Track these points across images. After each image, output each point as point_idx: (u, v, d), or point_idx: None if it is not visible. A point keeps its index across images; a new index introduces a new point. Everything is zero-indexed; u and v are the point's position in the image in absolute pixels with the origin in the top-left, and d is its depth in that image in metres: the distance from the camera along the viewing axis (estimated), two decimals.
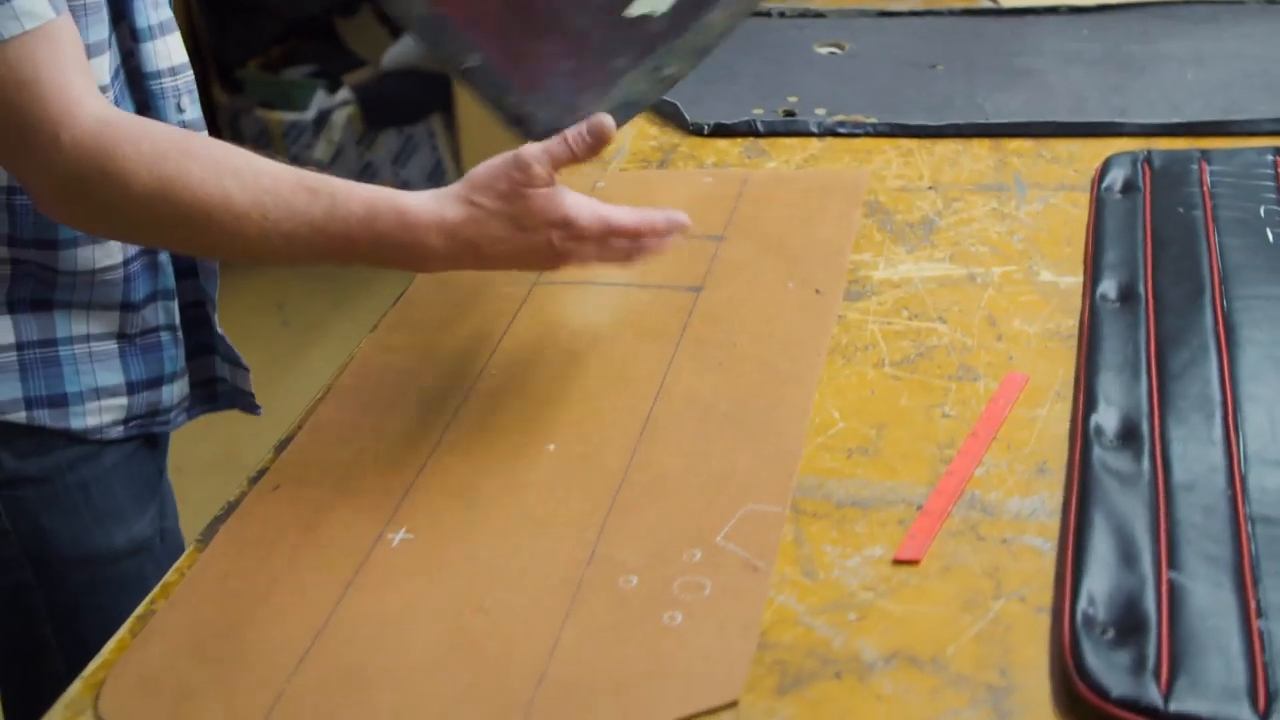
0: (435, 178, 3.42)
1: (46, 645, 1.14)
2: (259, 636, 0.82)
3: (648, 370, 1.05)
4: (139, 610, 0.87)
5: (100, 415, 1.10)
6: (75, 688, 0.81)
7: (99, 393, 1.10)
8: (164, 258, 1.13)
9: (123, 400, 1.11)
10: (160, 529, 1.19)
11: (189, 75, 1.11)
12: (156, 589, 0.89)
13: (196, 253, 1.12)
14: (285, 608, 0.84)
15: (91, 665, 0.82)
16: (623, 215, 0.98)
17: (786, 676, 0.77)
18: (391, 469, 0.96)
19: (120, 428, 1.12)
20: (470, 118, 3.15)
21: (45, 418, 1.07)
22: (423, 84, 3.45)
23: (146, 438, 1.16)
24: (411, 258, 0.96)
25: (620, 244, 0.98)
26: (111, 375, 1.10)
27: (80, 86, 0.92)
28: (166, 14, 1.09)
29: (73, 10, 0.96)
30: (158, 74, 1.08)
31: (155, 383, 1.14)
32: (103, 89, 1.00)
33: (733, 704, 0.76)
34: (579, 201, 0.97)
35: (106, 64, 1.02)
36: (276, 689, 0.78)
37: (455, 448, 0.98)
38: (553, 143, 0.96)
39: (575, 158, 0.97)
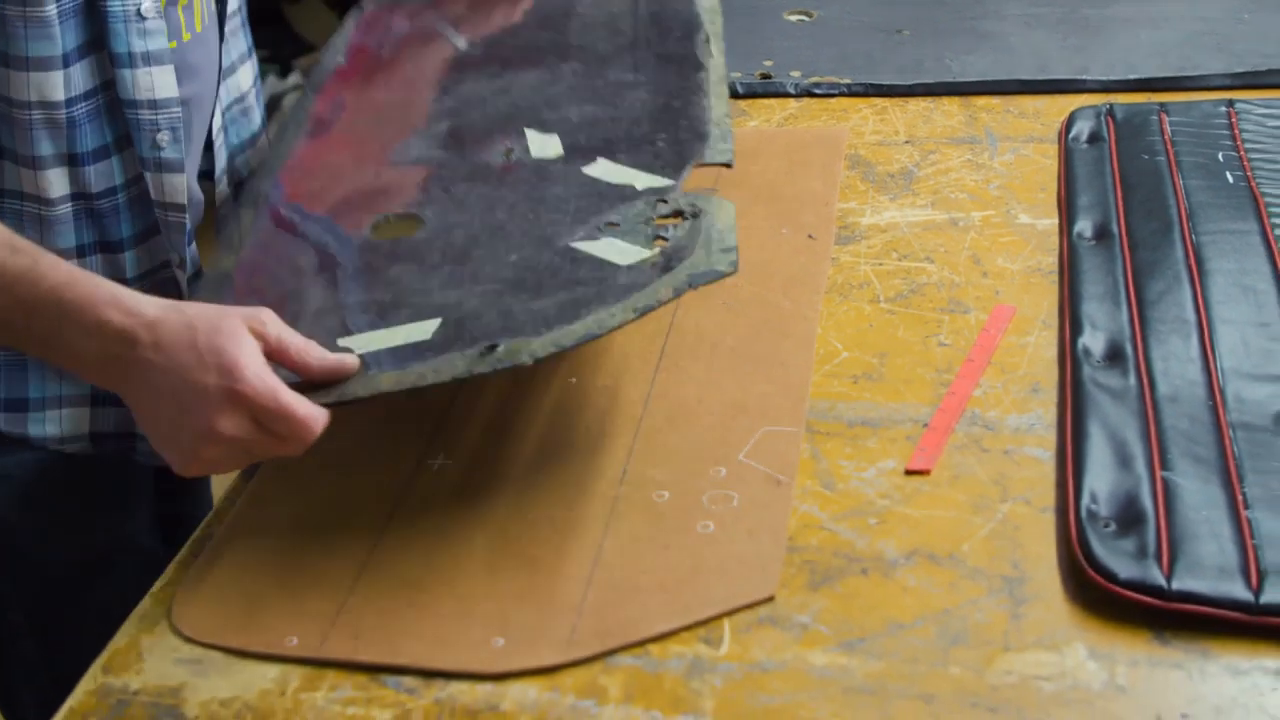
0: None
1: (17, 630, 1.14)
2: (318, 553, 0.87)
3: (658, 310, 1.10)
4: (197, 533, 0.92)
5: (60, 424, 1.07)
6: (145, 604, 0.85)
7: (61, 400, 1.07)
8: (127, 258, 1.07)
9: (85, 410, 1.08)
10: (140, 529, 1.18)
11: (175, 111, 1.04)
12: (210, 515, 0.93)
13: None
14: (338, 526, 0.89)
15: (159, 582, 0.87)
16: (295, 403, 0.82)
17: (816, 574, 0.84)
18: (423, 405, 1.01)
19: (86, 443, 1.09)
20: None
21: (2, 422, 1.06)
22: None
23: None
24: (82, 333, 0.84)
25: (279, 429, 0.82)
26: (75, 384, 1.07)
27: None
28: (159, 44, 1.02)
29: (5, 19, 0.94)
30: (134, 104, 1.02)
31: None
32: (51, 104, 0.98)
33: (770, 599, 0.82)
34: (263, 371, 0.83)
35: (60, 81, 0.98)
36: (340, 597, 0.83)
37: (482, 385, 1.03)
38: (297, 338, 0.85)
39: (300, 367, 0.85)
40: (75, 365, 0.87)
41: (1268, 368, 0.96)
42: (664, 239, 0.93)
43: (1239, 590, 0.77)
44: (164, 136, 1.04)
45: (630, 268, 0.89)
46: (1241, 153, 1.26)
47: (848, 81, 1.53)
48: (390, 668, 0.78)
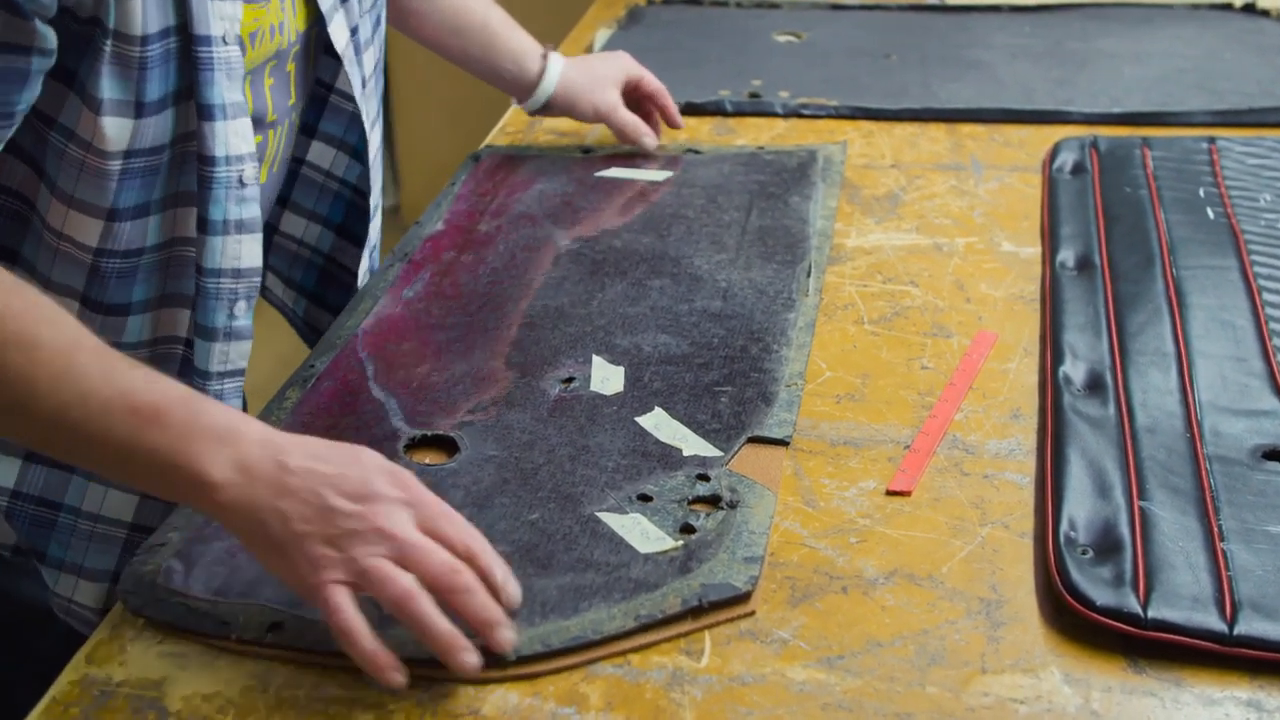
0: None
1: None
2: None
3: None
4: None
5: (72, 592, 1.05)
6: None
7: (80, 571, 1.05)
8: None
9: (103, 587, 1.06)
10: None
11: (256, 281, 1.02)
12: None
13: None
14: None
15: None
16: (481, 545, 0.78)
17: (797, 590, 0.84)
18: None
19: (89, 627, 1.01)
20: (406, 105, 3.18)
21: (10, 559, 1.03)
22: None
23: None
24: (212, 448, 0.77)
25: (444, 529, 0.78)
26: (103, 559, 1.05)
27: None
28: (253, 213, 1.00)
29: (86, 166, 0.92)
30: (217, 272, 1.00)
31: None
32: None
33: (750, 614, 0.83)
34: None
35: (124, 229, 0.97)
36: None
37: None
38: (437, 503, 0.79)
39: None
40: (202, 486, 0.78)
41: (1244, 402, 0.98)
42: (692, 528, 0.88)
43: (1213, 621, 0.79)
44: (241, 306, 1.02)
45: (648, 558, 0.86)
46: (1222, 189, 1.28)
47: (835, 103, 1.55)
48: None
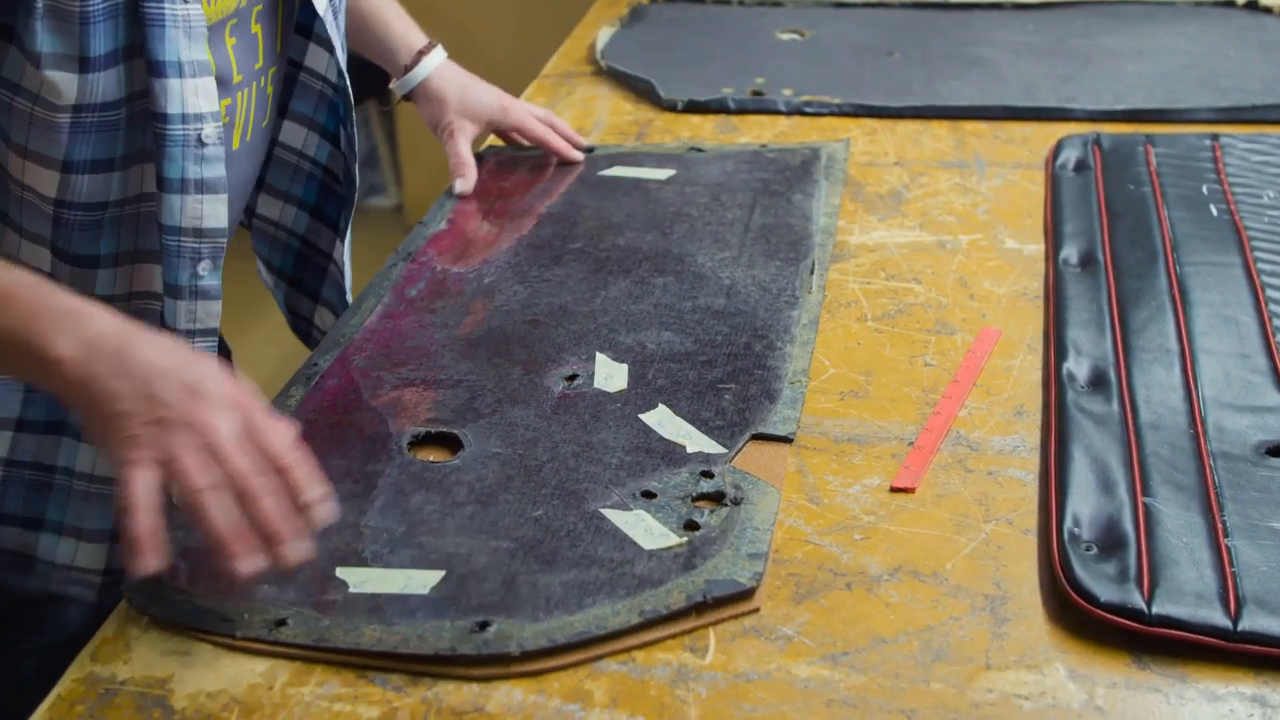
0: (370, 164, 3.44)
1: None
2: None
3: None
4: None
5: (73, 557, 1.07)
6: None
7: (80, 533, 1.07)
8: None
9: (102, 548, 1.08)
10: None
11: (222, 241, 1.02)
12: None
13: None
14: None
15: None
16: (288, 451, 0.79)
17: (801, 587, 0.84)
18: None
19: (92, 591, 1.07)
20: (409, 106, 3.18)
21: (10, 537, 1.05)
22: (357, 70, 3.47)
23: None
24: (58, 325, 0.79)
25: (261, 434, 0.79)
26: (100, 518, 1.06)
27: None
28: (215, 172, 0.99)
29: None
30: (177, 230, 1.00)
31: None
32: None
33: (755, 610, 0.83)
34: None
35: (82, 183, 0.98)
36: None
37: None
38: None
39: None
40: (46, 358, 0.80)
41: (1248, 398, 0.98)
42: (696, 524, 0.88)
43: (1217, 617, 0.79)
44: (205, 265, 1.02)
45: (652, 554, 0.86)
46: (1225, 186, 1.28)
47: (838, 101, 1.55)
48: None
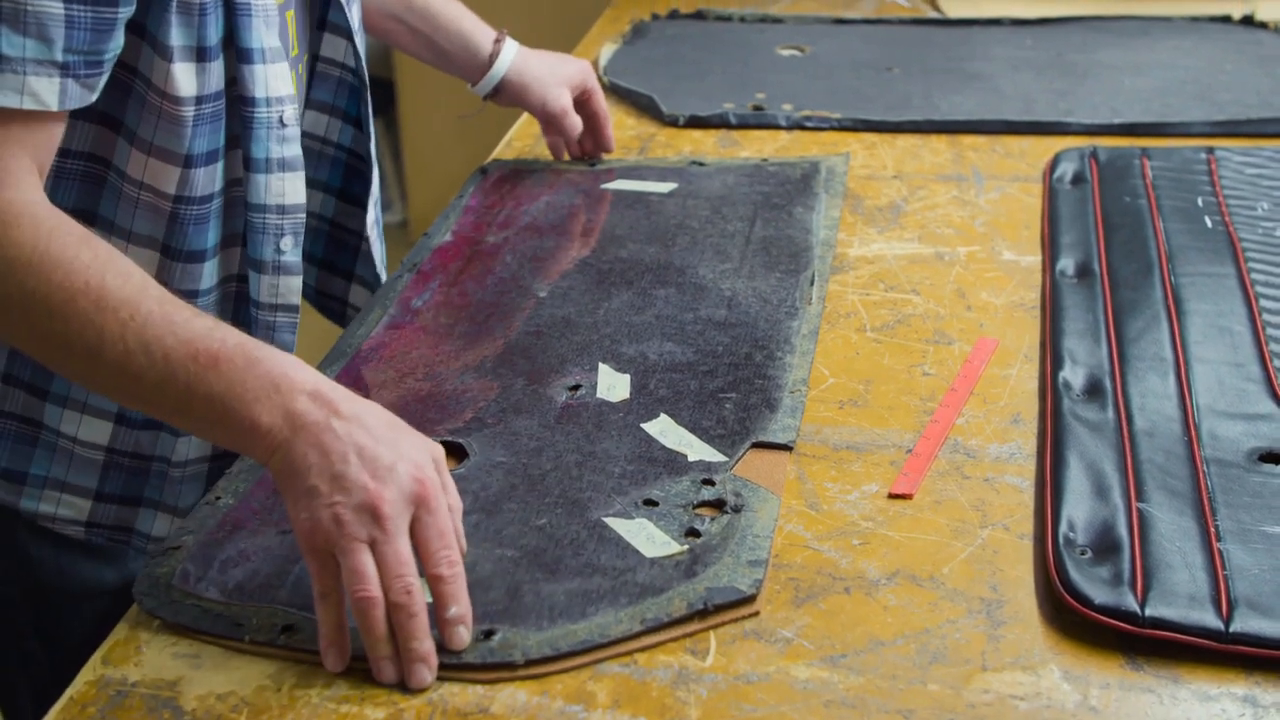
0: None
1: (32, 657, 1.15)
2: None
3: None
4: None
5: (56, 506, 1.08)
6: None
7: (63, 486, 1.08)
8: None
9: (86, 503, 1.09)
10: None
11: (301, 217, 1.07)
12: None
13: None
14: None
15: None
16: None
17: (800, 591, 0.86)
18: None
19: (80, 529, 1.09)
20: (412, 122, 3.21)
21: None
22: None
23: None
24: (264, 396, 0.80)
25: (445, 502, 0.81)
26: (83, 477, 1.08)
27: (18, 172, 0.85)
28: (294, 151, 1.05)
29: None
30: (262, 208, 1.04)
31: (132, 501, 1.11)
32: (171, 196, 1.00)
33: (755, 614, 0.84)
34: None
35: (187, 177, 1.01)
36: None
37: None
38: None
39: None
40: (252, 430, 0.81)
41: (1241, 406, 0.99)
42: (697, 532, 0.89)
43: (1210, 619, 0.80)
44: (287, 241, 1.06)
45: (654, 562, 0.86)
46: (1220, 198, 1.30)
47: (838, 116, 1.56)
48: None
